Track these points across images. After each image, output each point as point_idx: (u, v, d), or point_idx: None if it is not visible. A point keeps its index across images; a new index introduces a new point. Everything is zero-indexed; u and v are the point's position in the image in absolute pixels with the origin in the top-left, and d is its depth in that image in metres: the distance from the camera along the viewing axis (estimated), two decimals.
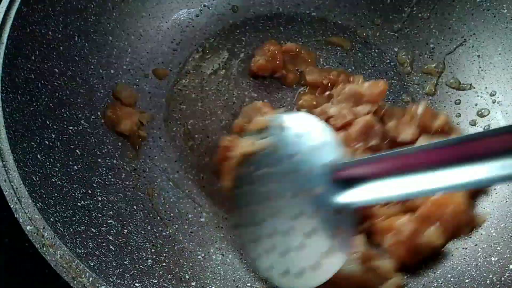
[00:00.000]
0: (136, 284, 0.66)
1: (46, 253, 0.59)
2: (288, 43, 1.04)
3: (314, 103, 0.99)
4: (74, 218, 0.70)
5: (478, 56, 0.99)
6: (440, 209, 0.78)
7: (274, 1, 1.11)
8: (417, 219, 0.78)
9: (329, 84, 1.00)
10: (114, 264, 0.68)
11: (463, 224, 0.80)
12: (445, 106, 0.99)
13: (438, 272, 0.77)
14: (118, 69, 0.96)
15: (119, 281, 0.64)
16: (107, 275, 0.63)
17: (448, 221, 0.78)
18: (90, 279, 0.59)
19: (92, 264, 0.62)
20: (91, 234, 0.70)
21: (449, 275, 0.75)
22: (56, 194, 0.70)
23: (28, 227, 0.60)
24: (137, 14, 1.00)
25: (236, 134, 0.91)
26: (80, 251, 0.63)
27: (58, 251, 0.60)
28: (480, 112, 0.95)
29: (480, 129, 0.93)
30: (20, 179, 0.63)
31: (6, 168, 0.64)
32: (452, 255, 0.79)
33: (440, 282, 0.75)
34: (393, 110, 0.95)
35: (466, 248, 0.79)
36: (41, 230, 0.60)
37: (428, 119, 0.91)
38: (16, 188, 0.63)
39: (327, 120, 0.93)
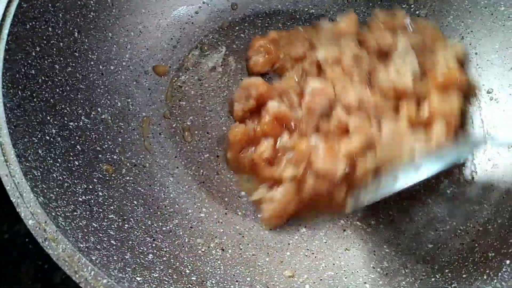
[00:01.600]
0: (138, 278, 0.67)
1: (48, 247, 0.59)
2: (271, 31, 1.05)
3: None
4: (76, 213, 0.70)
5: (476, 53, 0.99)
6: None
7: None
8: None
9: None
10: (115, 258, 0.68)
11: None
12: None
13: (436, 268, 0.78)
14: (118, 65, 0.96)
15: (120, 275, 0.64)
16: (109, 269, 0.63)
17: None
18: (92, 273, 0.59)
19: (94, 258, 0.63)
20: (92, 229, 0.71)
21: (446, 270, 0.76)
22: (57, 189, 0.71)
23: (30, 222, 0.61)
24: (137, 10, 1.00)
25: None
26: (81, 245, 0.64)
27: (60, 245, 0.60)
28: (478, 110, 0.96)
29: (478, 129, 0.94)
30: (22, 173, 0.64)
31: (8, 163, 0.64)
32: (450, 250, 0.80)
33: (438, 277, 0.76)
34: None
35: (463, 244, 0.80)
36: (43, 224, 0.61)
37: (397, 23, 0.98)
38: (18, 182, 0.63)
39: (318, 67, 0.97)
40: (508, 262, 0.70)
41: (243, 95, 0.94)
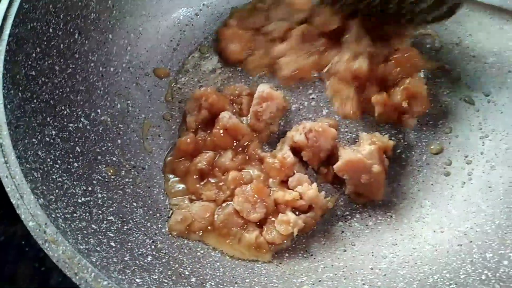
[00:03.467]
0: (137, 280, 0.67)
1: (48, 249, 0.60)
2: (230, 20, 1.06)
3: None
4: (75, 215, 0.71)
5: (473, 56, 1.00)
6: None
7: None
8: None
9: None
10: (115, 260, 0.69)
11: None
12: (440, 106, 1.00)
13: (434, 268, 0.78)
14: (118, 67, 0.96)
15: (120, 276, 0.64)
16: (109, 271, 0.63)
17: None
18: (93, 274, 0.59)
19: (94, 260, 0.63)
20: (92, 231, 0.71)
21: (444, 271, 0.77)
22: (57, 191, 0.71)
23: (30, 223, 0.61)
24: (137, 12, 1.01)
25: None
26: (81, 247, 0.64)
27: (61, 247, 0.60)
28: (476, 112, 0.96)
29: (477, 131, 0.95)
30: (22, 175, 0.64)
31: (8, 164, 0.64)
32: (448, 251, 0.80)
33: (436, 278, 0.76)
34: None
35: (461, 245, 0.81)
36: (43, 226, 0.61)
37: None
38: (18, 184, 0.63)
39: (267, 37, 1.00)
40: (506, 262, 0.70)
41: (195, 106, 0.94)
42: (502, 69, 0.95)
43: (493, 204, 0.83)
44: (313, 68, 0.97)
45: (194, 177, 0.89)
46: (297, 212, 0.86)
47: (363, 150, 0.87)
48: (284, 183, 0.89)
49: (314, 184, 0.86)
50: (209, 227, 0.84)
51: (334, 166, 0.88)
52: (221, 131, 0.90)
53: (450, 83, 1.01)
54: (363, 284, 0.80)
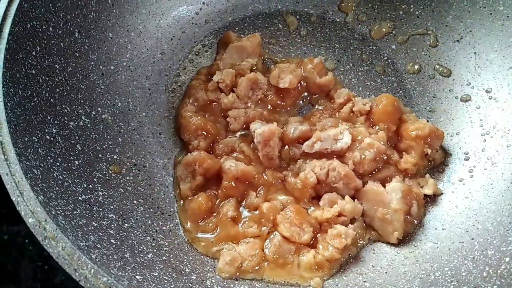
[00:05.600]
0: (137, 277, 0.67)
1: (48, 246, 0.60)
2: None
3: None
4: (76, 212, 0.71)
5: (475, 53, 1.00)
6: None
7: None
8: None
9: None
10: (115, 257, 0.69)
11: None
12: (442, 103, 1.00)
13: (435, 266, 0.78)
14: (118, 66, 0.97)
15: (120, 273, 0.64)
16: (109, 268, 0.63)
17: None
18: (92, 271, 0.59)
19: (93, 257, 0.63)
20: (92, 228, 0.71)
21: (446, 268, 0.76)
22: (57, 188, 0.71)
23: (30, 220, 0.61)
24: (137, 11, 1.01)
25: None
26: (81, 243, 0.64)
27: (60, 243, 0.60)
28: (477, 109, 0.96)
29: (478, 128, 0.94)
30: (22, 172, 0.64)
31: (8, 162, 0.64)
32: (449, 249, 0.80)
33: (437, 275, 0.76)
34: (287, 61, 1.03)
35: (462, 242, 0.80)
36: (43, 223, 0.61)
37: (314, 73, 0.97)
38: (18, 181, 0.63)
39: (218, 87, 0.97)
40: (507, 259, 0.70)
41: (188, 173, 0.89)
42: (503, 65, 0.94)
43: (494, 201, 0.83)
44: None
45: (229, 226, 0.85)
46: None
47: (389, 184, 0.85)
48: (314, 201, 0.88)
49: (347, 197, 0.85)
50: (262, 263, 0.81)
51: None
52: (232, 183, 0.87)
53: (450, 82, 1.01)
54: (364, 281, 0.80)
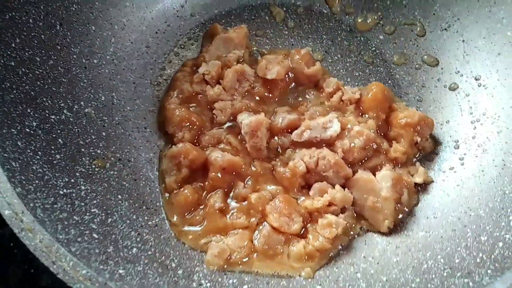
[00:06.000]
0: (120, 271, 0.65)
1: (25, 238, 0.57)
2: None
3: None
4: (56, 206, 0.69)
5: (463, 41, 0.99)
6: None
7: None
8: None
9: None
10: (97, 251, 0.66)
11: None
12: (431, 92, 0.99)
13: (428, 254, 0.77)
14: (102, 59, 0.94)
15: (101, 267, 0.62)
16: (89, 261, 0.61)
17: None
18: (71, 263, 0.57)
19: (73, 250, 0.61)
20: (74, 222, 0.69)
21: (439, 256, 0.75)
22: (37, 181, 0.69)
23: (7, 212, 0.59)
24: (121, 3, 0.99)
25: None
26: (61, 236, 0.62)
27: (38, 235, 0.58)
28: (466, 97, 0.95)
29: (467, 116, 0.93)
30: None
31: None
32: (442, 237, 0.79)
33: (430, 263, 0.74)
34: (274, 52, 1.01)
35: (455, 230, 0.79)
36: (20, 215, 0.59)
37: (301, 64, 0.95)
38: None
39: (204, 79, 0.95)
40: (501, 244, 0.69)
41: (173, 166, 0.86)
42: (491, 52, 0.93)
43: (486, 188, 0.82)
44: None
45: (217, 217, 0.83)
46: None
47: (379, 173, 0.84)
48: (304, 190, 0.86)
49: (337, 186, 0.83)
50: (251, 255, 0.79)
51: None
52: (219, 174, 0.85)
53: (439, 70, 1.00)
54: (356, 272, 0.78)
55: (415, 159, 0.91)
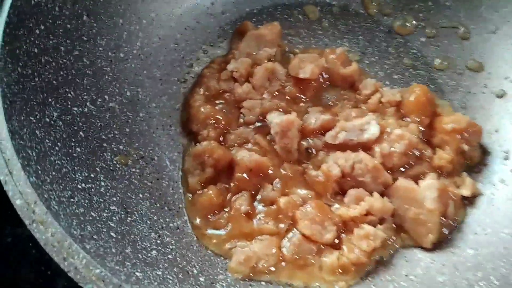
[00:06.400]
0: (137, 274, 0.59)
1: (35, 230, 0.53)
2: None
3: None
4: (73, 200, 0.64)
5: None
6: None
7: None
8: None
9: None
10: (114, 250, 0.61)
11: None
12: (477, 98, 0.91)
13: (479, 274, 0.69)
14: (128, 53, 0.91)
15: (117, 267, 0.57)
16: (105, 260, 0.56)
17: None
18: (84, 261, 0.52)
19: (88, 247, 0.56)
20: (91, 218, 0.64)
21: (491, 277, 0.67)
22: (54, 173, 0.64)
23: (18, 201, 0.54)
24: None
25: None
26: (75, 232, 0.57)
27: (50, 229, 0.53)
28: None
29: None
30: (14, 150, 0.57)
31: None
32: (493, 255, 0.71)
33: (482, 284, 0.66)
34: (307, 51, 0.95)
35: (508, 248, 0.71)
36: (32, 205, 0.54)
37: (337, 64, 0.89)
38: (8, 159, 0.57)
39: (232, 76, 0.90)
40: None
41: (197, 165, 0.81)
42: None
43: None
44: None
45: (243, 221, 0.77)
46: None
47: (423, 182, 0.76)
48: (338, 196, 0.79)
49: (376, 194, 0.76)
50: (279, 264, 0.73)
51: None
52: (245, 174, 0.79)
53: (486, 76, 0.92)
54: None
55: (461, 170, 0.83)
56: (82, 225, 0.60)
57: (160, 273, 0.64)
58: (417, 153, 0.79)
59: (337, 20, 1.03)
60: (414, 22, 1.01)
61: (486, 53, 0.94)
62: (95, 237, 0.60)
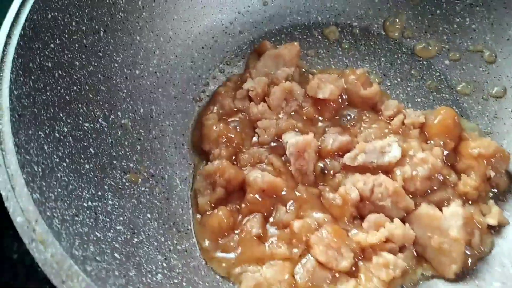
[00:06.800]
0: None
1: (34, 250, 0.50)
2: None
3: None
4: (77, 218, 0.61)
5: None
6: None
7: (313, 10, 1.04)
8: None
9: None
10: (117, 273, 0.58)
11: None
12: (504, 123, 0.87)
13: None
14: (144, 71, 0.90)
15: None
16: (105, 283, 0.53)
17: None
18: (83, 284, 0.49)
19: (89, 269, 0.52)
20: (95, 238, 0.61)
21: None
22: (59, 190, 0.62)
23: (18, 218, 0.52)
24: (168, 16, 0.95)
25: None
26: (77, 253, 0.54)
27: (50, 249, 0.50)
28: None
29: None
30: (18, 165, 0.55)
31: (4, 152, 0.56)
32: None
33: None
34: (327, 71, 0.94)
35: None
36: (33, 223, 0.52)
37: (357, 84, 0.86)
38: (12, 174, 0.55)
39: (248, 95, 0.87)
40: None
41: (208, 185, 0.79)
42: None
43: None
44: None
45: (254, 245, 0.73)
46: None
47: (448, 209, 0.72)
48: (356, 221, 0.75)
49: (397, 220, 0.72)
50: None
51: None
52: (257, 195, 0.75)
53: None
54: None
55: (487, 197, 0.78)
56: (85, 245, 0.57)
57: None
58: (441, 178, 0.75)
59: (358, 41, 1.01)
60: (437, 44, 0.98)
61: None
62: (97, 258, 0.57)
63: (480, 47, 0.95)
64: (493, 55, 0.93)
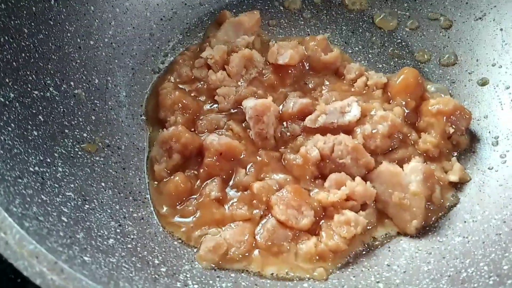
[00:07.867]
0: (85, 258, 0.54)
1: None
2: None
3: None
4: (20, 180, 0.59)
5: (501, 29, 0.88)
6: None
7: None
8: None
9: None
10: (61, 234, 0.56)
11: None
12: (465, 86, 0.87)
13: (467, 262, 0.63)
14: (99, 41, 0.87)
15: (60, 249, 0.51)
16: (45, 240, 0.50)
17: None
18: (17, 236, 0.46)
19: (27, 225, 0.50)
20: (40, 201, 0.59)
21: (481, 264, 0.61)
22: (1, 151, 0.59)
23: None
24: None
25: None
26: (15, 209, 0.51)
27: None
28: (506, 90, 0.82)
29: (508, 110, 0.80)
30: None
31: None
32: (483, 242, 0.65)
33: (471, 271, 0.60)
34: (287, 39, 0.92)
35: (500, 234, 0.65)
36: None
37: (318, 50, 0.85)
38: None
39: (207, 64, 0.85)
40: None
41: (164, 152, 0.76)
42: None
43: None
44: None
45: (213, 208, 0.72)
46: None
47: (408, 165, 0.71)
48: (317, 181, 0.74)
49: (358, 178, 0.70)
50: (252, 251, 0.68)
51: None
52: (214, 158, 0.73)
53: (474, 63, 0.88)
54: (377, 282, 0.64)
55: (450, 155, 0.78)
56: (27, 205, 0.55)
57: (114, 260, 0.58)
58: (401, 136, 0.74)
59: (320, 11, 1.00)
60: (398, 12, 0.98)
61: (474, 40, 0.90)
62: (40, 218, 0.55)
63: (438, 14, 0.95)
64: (449, 20, 0.94)
